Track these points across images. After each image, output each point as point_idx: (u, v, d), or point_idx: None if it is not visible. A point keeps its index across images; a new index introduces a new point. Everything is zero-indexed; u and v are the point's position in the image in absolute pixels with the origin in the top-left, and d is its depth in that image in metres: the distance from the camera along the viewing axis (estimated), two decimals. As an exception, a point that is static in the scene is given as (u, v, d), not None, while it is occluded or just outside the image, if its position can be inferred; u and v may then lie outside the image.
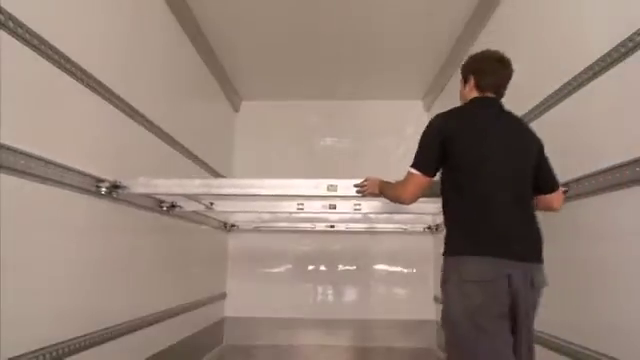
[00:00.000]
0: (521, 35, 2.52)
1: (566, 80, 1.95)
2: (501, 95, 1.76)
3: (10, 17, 1.42)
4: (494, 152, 1.61)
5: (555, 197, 1.78)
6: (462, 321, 1.51)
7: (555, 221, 2.08)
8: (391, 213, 3.08)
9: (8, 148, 1.41)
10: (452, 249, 1.61)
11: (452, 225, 1.67)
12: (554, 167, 1.75)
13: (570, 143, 1.97)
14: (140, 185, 2.12)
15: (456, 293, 1.54)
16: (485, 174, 1.60)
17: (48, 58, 1.61)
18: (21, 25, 1.47)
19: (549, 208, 1.81)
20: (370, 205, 2.71)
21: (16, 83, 1.46)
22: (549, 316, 2.13)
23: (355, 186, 2.05)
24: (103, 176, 2.00)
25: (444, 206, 1.72)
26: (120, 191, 2.09)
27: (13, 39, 1.44)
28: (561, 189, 1.81)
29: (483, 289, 1.49)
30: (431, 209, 2.80)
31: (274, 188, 2.17)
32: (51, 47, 1.62)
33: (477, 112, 1.70)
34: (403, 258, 4.56)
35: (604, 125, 1.73)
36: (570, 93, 1.94)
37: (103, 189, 1.99)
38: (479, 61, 1.77)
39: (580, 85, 1.86)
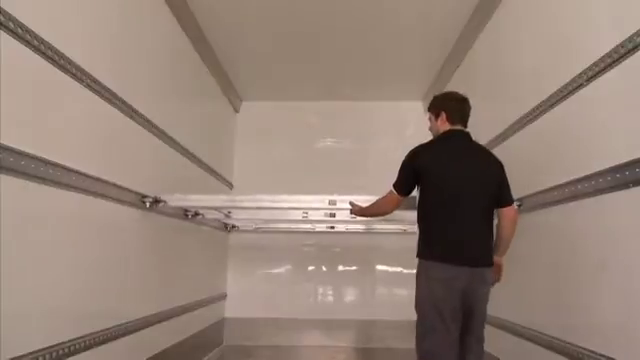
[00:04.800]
0: (521, 36, 2.52)
1: (566, 80, 1.95)
2: (466, 125, 2.16)
3: (10, 17, 1.42)
4: (460, 176, 1.98)
5: (507, 210, 2.08)
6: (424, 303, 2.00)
7: (554, 222, 2.09)
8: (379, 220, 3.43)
9: (8, 148, 1.42)
10: (420, 254, 2.04)
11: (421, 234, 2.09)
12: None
13: (570, 143, 1.97)
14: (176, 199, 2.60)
15: (424, 285, 2.00)
16: (448, 195, 1.97)
17: (48, 59, 1.62)
18: (21, 25, 1.47)
19: (507, 219, 2.08)
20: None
21: (16, 83, 1.46)
22: (548, 316, 2.13)
23: (349, 203, 2.46)
24: (102, 176, 2.00)
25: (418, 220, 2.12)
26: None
27: (13, 39, 1.44)
28: (515, 204, 2.13)
29: (443, 284, 1.93)
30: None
31: (286, 202, 2.65)
32: (51, 47, 1.62)
33: (448, 145, 2.09)
34: (403, 259, 4.53)
35: (604, 125, 1.73)
36: (570, 93, 1.94)
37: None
38: (447, 100, 2.18)
39: (580, 86, 1.86)
